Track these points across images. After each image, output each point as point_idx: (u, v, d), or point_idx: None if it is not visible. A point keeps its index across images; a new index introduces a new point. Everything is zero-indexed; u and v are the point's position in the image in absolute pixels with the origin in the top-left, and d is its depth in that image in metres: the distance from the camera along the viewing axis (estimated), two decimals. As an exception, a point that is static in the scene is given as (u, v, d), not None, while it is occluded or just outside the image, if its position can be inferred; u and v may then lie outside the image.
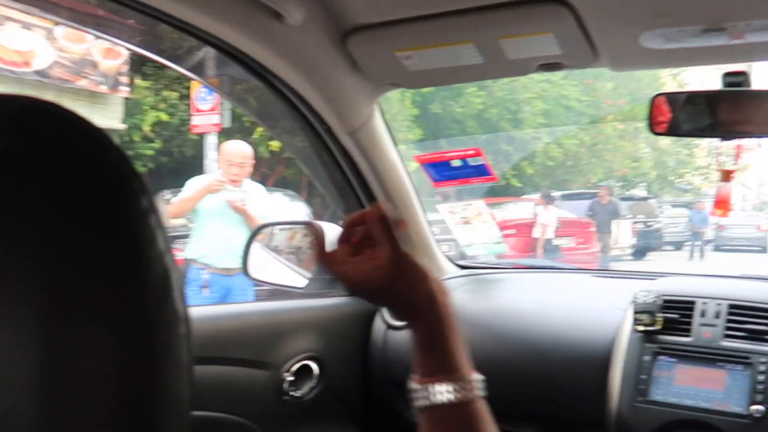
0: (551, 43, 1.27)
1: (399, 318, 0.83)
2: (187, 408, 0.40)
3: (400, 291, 0.76)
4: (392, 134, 1.64)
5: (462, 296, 1.83)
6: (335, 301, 1.83)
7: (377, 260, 0.75)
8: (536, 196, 11.97)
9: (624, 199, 15.82)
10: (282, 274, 1.86)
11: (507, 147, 15.07)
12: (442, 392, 0.70)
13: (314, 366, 1.68)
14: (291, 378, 1.62)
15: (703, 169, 20.01)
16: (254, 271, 1.81)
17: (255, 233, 1.91)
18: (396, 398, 1.80)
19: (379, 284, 0.76)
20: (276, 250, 1.91)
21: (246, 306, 1.67)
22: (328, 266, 0.79)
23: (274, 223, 2.10)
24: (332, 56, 1.33)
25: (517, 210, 11.86)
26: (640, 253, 13.69)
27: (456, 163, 1.73)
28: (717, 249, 16.90)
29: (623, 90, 16.89)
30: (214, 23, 1.23)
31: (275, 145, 10.56)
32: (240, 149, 4.40)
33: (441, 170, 1.74)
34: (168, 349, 0.38)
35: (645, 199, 17.21)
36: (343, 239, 0.81)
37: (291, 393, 1.62)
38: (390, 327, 1.78)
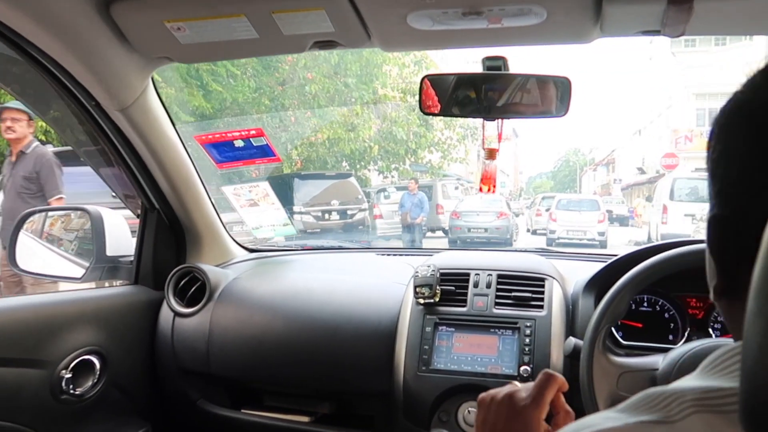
0: (324, 20, 1.29)
1: None
2: None
3: None
4: (169, 112, 1.57)
5: (252, 279, 1.82)
6: (116, 290, 1.73)
7: None
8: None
9: (309, 177, 12.03)
10: (56, 264, 1.72)
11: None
12: None
13: (96, 360, 1.58)
14: (69, 375, 1.52)
15: (442, 144, 16.50)
16: (23, 262, 1.66)
17: (22, 221, 1.75)
18: (187, 387, 1.75)
19: None
20: (48, 238, 1.77)
21: (11, 300, 1.52)
22: None
23: (44, 209, 1.94)
24: (96, 25, 1.25)
25: None
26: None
27: (239, 143, 1.72)
28: (453, 244, 13.51)
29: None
30: None
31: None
32: None
33: (223, 151, 1.72)
34: None
35: (343, 176, 12.43)
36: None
37: (70, 391, 1.52)
38: (177, 314, 1.73)
